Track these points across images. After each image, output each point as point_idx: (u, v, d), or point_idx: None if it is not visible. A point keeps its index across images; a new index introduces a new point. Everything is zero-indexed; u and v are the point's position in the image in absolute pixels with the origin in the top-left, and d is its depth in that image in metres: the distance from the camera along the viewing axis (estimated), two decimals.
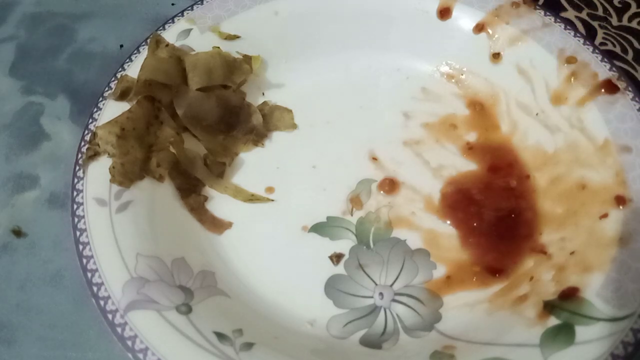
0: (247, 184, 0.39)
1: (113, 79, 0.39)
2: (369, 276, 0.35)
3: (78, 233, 0.33)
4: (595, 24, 0.46)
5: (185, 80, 0.38)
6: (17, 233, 0.37)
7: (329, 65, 0.44)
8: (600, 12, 0.47)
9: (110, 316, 0.30)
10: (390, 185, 0.38)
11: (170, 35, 0.41)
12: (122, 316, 0.30)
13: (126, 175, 0.35)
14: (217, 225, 0.37)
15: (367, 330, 0.33)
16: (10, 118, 0.43)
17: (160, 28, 0.42)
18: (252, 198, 0.38)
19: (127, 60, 0.40)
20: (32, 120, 0.43)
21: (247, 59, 0.41)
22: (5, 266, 0.36)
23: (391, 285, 0.34)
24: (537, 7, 0.41)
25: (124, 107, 0.37)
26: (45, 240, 0.37)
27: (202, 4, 0.43)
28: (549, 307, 0.30)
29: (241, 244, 0.37)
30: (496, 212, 0.36)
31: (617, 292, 0.29)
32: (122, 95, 0.38)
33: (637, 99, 0.36)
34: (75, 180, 0.35)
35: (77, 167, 0.35)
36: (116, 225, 0.33)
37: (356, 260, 0.36)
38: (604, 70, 0.37)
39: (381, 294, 0.34)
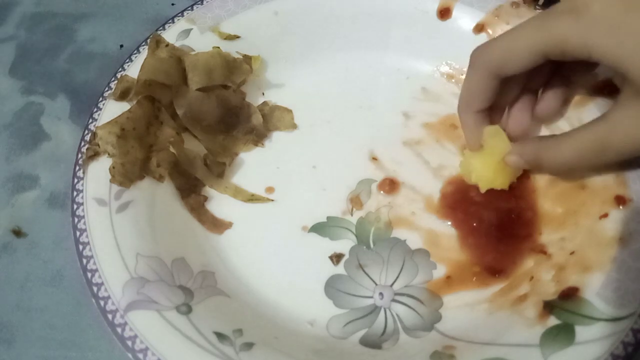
0: (247, 184, 0.39)
1: (113, 79, 0.39)
2: (369, 276, 0.35)
3: (78, 233, 0.33)
4: None
5: (185, 80, 0.38)
6: (17, 233, 0.37)
7: (329, 65, 0.44)
8: None
9: (110, 316, 0.30)
10: (390, 185, 0.38)
11: (170, 35, 0.41)
12: (122, 316, 0.30)
13: (126, 175, 0.35)
14: (217, 225, 0.37)
15: (367, 330, 0.33)
16: (10, 118, 0.43)
17: (160, 28, 0.42)
18: (252, 198, 0.38)
19: (127, 60, 0.40)
20: (32, 120, 0.43)
21: (247, 59, 0.41)
22: (5, 266, 0.36)
23: (391, 285, 0.34)
24: (537, 7, 0.40)
25: (124, 107, 0.37)
26: (45, 240, 0.37)
27: (202, 4, 0.43)
28: (549, 307, 0.30)
29: (241, 244, 0.37)
30: (496, 212, 0.36)
31: (617, 292, 0.29)
32: (122, 95, 0.38)
33: None
34: (75, 180, 0.35)
35: (77, 167, 0.36)
36: (116, 225, 0.33)
37: (356, 260, 0.36)
38: (604, 70, 0.37)
39: (381, 294, 0.34)
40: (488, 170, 0.35)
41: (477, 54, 0.33)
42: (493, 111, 0.36)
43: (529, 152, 0.34)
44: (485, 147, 0.36)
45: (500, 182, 0.36)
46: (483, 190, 0.36)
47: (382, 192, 0.38)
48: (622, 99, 0.30)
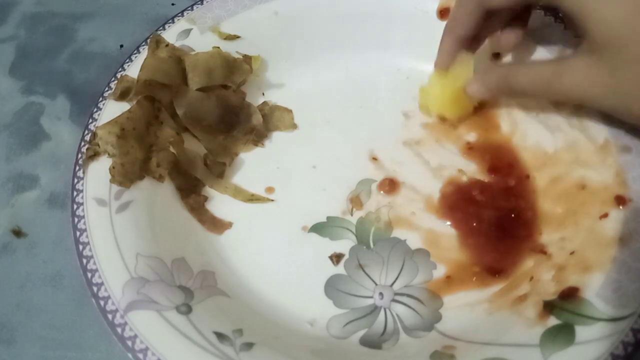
0: (247, 184, 0.39)
1: (113, 79, 0.39)
2: (369, 276, 0.35)
3: (78, 233, 0.33)
4: None
5: (185, 80, 0.38)
6: (17, 233, 0.37)
7: (329, 65, 0.44)
8: None
9: (110, 316, 0.30)
10: (390, 185, 0.38)
11: (170, 35, 0.41)
12: (122, 316, 0.30)
13: (126, 175, 0.35)
14: (217, 225, 0.37)
15: (367, 330, 0.33)
16: (10, 118, 0.43)
17: (160, 28, 0.42)
18: (252, 198, 0.38)
19: (127, 60, 0.40)
20: (32, 120, 0.43)
21: (247, 59, 0.41)
22: (5, 266, 0.36)
23: (391, 285, 0.34)
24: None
25: (124, 107, 0.37)
26: (45, 240, 0.37)
27: (202, 4, 0.43)
28: (549, 307, 0.30)
29: (241, 244, 0.37)
30: (496, 212, 0.36)
31: (617, 292, 0.29)
32: (122, 95, 0.38)
33: None
34: (75, 180, 0.35)
35: (77, 167, 0.36)
36: (116, 225, 0.33)
37: (356, 260, 0.36)
38: None
39: (381, 294, 0.34)
40: (445, 94, 0.38)
41: None
42: (474, 44, 0.39)
43: (491, 77, 0.37)
44: (451, 71, 0.38)
45: (452, 110, 0.38)
46: (433, 113, 0.39)
47: (382, 192, 0.38)
48: (579, 50, 0.32)
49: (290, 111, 0.42)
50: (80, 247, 0.33)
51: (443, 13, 0.42)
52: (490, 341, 0.30)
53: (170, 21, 0.42)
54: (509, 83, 0.35)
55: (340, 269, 0.35)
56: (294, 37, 0.43)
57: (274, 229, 0.37)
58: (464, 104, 0.38)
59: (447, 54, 0.38)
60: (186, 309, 0.31)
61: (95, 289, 0.31)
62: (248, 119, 0.40)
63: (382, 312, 0.33)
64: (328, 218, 0.37)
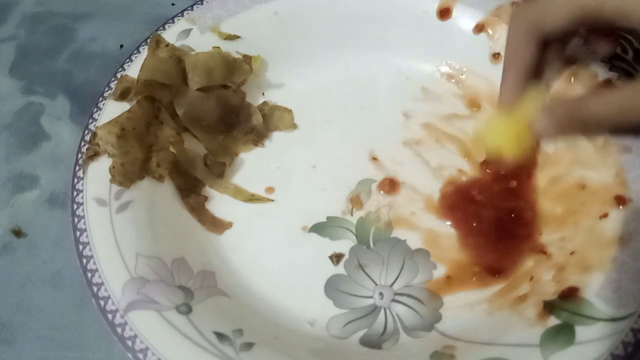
0: (247, 184, 0.39)
1: (113, 79, 0.39)
2: (369, 276, 0.35)
3: (78, 233, 0.33)
4: None
5: (185, 80, 0.38)
6: (17, 233, 0.37)
7: (329, 65, 0.44)
8: None
9: (110, 316, 0.30)
10: (390, 185, 0.38)
11: (170, 35, 0.41)
12: (122, 316, 0.30)
13: (126, 175, 0.35)
14: (217, 225, 0.37)
15: (367, 330, 0.33)
16: (10, 118, 0.43)
17: (160, 28, 0.42)
18: (252, 198, 0.38)
19: (127, 60, 0.40)
20: (32, 120, 0.43)
21: (247, 59, 0.41)
22: (5, 266, 0.36)
23: (391, 285, 0.34)
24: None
25: (124, 107, 0.37)
26: (45, 240, 0.37)
27: (202, 4, 0.43)
28: (549, 307, 0.30)
29: (241, 244, 0.37)
30: (496, 212, 0.36)
31: (617, 292, 0.29)
32: (122, 95, 0.38)
33: None
34: (75, 180, 0.35)
35: (77, 167, 0.36)
36: (116, 225, 0.33)
37: (356, 260, 0.36)
38: (603, 71, 0.37)
39: (381, 294, 0.34)
40: (510, 132, 0.33)
41: (516, 11, 0.33)
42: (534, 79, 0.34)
43: (561, 111, 0.32)
44: (519, 107, 0.33)
45: (515, 149, 0.33)
46: (492, 153, 0.33)
47: (382, 192, 0.38)
48: None
49: (290, 111, 0.42)
50: (80, 247, 0.33)
51: (443, 13, 0.42)
52: (490, 341, 0.30)
53: (170, 21, 0.42)
54: (582, 114, 0.31)
55: (340, 269, 0.35)
56: (294, 37, 0.43)
57: (274, 229, 0.37)
58: (527, 142, 0.33)
59: (510, 92, 0.34)
60: (186, 309, 0.31)
61: (95, 289, 0.31)
62: (248, 119, 0.40)
63: (382, 312, 0.33)
64: (328, 218, 0.37)
